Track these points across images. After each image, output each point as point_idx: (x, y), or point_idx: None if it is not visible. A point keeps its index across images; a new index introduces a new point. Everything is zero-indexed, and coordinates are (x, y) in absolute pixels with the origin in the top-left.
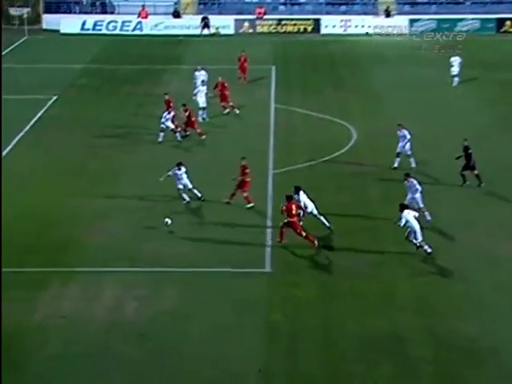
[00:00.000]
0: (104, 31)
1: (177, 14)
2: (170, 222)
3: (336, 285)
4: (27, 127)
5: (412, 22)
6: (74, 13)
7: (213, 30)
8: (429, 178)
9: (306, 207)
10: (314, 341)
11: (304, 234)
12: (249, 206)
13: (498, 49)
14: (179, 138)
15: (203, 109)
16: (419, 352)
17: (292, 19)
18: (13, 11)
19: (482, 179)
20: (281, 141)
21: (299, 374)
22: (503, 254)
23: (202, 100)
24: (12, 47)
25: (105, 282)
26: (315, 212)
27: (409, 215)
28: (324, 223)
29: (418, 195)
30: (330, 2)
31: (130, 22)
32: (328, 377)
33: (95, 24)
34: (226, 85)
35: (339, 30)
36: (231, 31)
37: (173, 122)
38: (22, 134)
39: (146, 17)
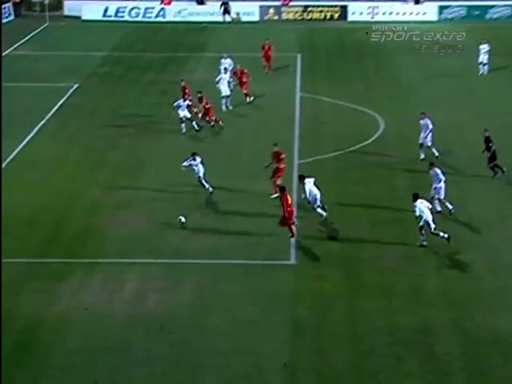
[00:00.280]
0: (126, 18)
1: (200, 1)
2: (184, 220)
3: (363, 278)
4: (48, 116)
5: (441, 8)
6: None
7: (233, 15)
8: (456, 169)
9: (310, 194)
10: (340, 335)
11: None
12: (274, 195)
13: None
14: (196, 128)
15: (226, 97)
16: (447, 347)
17: (318, 6)
18: None
19: (499, 170)
20: (306, 130)
21: (325, 369)
22: None
23: (224, 88)
24: (33, 34)
25: (126, 273)
26: (318, 201)
27: (421, 205)
28: (321, 214)
29: (440, 185)
30: None
31: (152, 8)
32: (354, 372)
33: (117, 10)
34: (245, 71)
35: (367, 17)
36: (256, 18)
37: (189, 110)
38: (43, 122)
39: (169, 3)
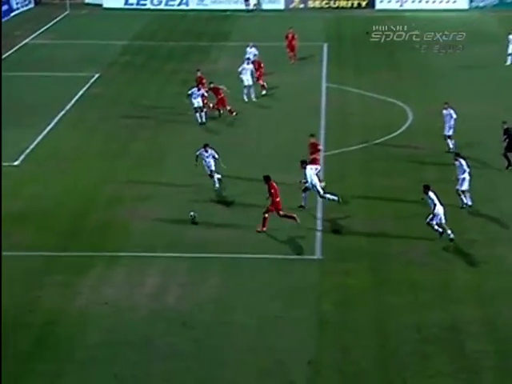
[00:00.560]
0: (148, 6)
1: None
2: (194, 214)
3: (389, 273)
4: (69, 105)
5: None
6: None
7: (253, 2)
8: (483, 163)
9: (311, 182)
10: (366, 332)
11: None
12: (323, 184)
13: None
14: (203, 119)
15: (248, 87)
16: (477, 345)
17: None
18: None
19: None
20: (333, 121)
21: (349, 366)
22: None
23: (246, 78)
24: (53, 22)
25: (147, 267)
26: (320, 189)
27: (434, 196)
28: (333, 199)
29: (464, 176)
30: None
31: None
32: (380, 370)
33: None
34: (262, 64)
35: (395, 6)
36: (281, 6)
37: (202, 100)
38: (63, 112)
39: None
